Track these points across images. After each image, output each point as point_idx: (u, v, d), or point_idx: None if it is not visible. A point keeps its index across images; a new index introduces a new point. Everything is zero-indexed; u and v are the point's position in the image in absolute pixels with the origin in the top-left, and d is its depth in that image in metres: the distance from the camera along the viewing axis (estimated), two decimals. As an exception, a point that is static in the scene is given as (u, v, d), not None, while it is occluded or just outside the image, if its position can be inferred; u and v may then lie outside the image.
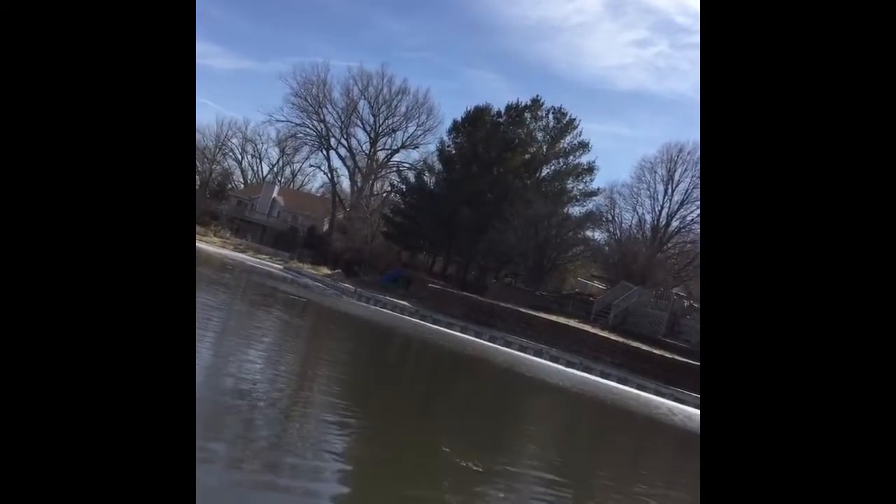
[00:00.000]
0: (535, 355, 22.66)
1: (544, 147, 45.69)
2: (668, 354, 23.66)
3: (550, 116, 45.60)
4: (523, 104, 45.10)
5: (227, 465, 4.50)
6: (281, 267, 40.23)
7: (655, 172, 42.21)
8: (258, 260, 42.23)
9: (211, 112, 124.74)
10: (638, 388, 20.00)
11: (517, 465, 6.99)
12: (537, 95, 45.37)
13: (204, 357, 8.24)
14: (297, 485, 4.55)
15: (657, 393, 19.68)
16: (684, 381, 20.77)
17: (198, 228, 49.99)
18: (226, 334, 10.97)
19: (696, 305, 31.56)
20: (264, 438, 5.31)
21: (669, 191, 41.78)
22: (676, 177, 41.64)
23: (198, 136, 69.27)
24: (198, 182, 66.93)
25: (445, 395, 11.69)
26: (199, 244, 41.82)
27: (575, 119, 45.47)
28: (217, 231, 51.47)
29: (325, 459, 5.10)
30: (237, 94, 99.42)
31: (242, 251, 45.69)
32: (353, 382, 9.79)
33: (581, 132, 45.59)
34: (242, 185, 69.10)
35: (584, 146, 45.29)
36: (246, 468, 4.57)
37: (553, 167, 46.00)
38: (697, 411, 18.20)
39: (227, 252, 42.44)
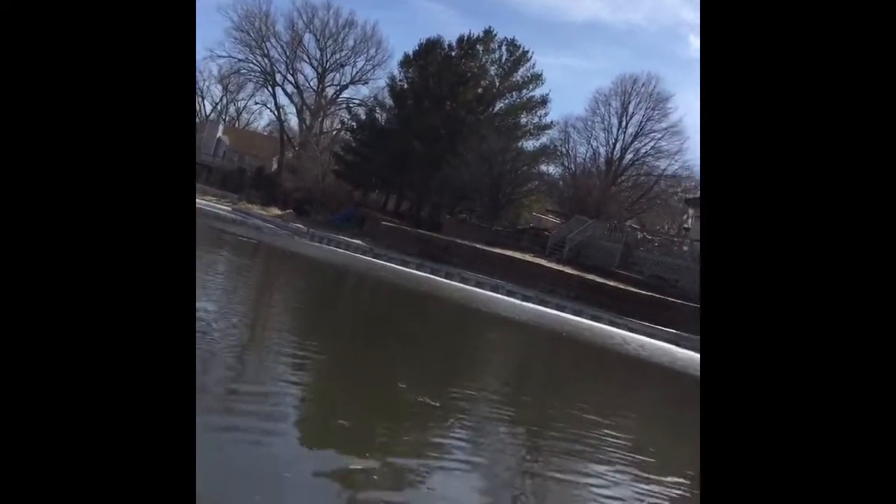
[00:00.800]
0: (491, 290, 22.66)
1: (497, 80, 44.90)
2: (621, 286, 23.93)
3: (503, 49, 44.69)
4: (475, 36, 44.03)
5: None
6: (229, 209, 39.14)
7: (610, 105, 42.11)
8: (204, 201, 40.96)
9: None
10: (592, 320, 20.21)
11: (474, 400, 6.84)
12: (489, 27, 44.38)
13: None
14: (252, 424, 4.29)
15: (611, 324, 19.91)
16: (637, 311, 21.09)
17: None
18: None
19: (649, 237, 31.98)
20: (221, 377, 5.02)
21: (623, 123, 41.78)
22: (630, 109, 41.60)
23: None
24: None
25: (400, 331, 11.48)
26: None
27: (528, 51, 44.66)
28: (161, 173, 49.70)
29: (282, 399, 4.86)
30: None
31: (189, 193, 44.26)
32: (309, 322, 9.47)
33: (534, 64, 44.87)
34: (186, 125, 66.55)
35: (537, 79, 44.65)
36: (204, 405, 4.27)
37: (506, 101, 45.36)
38: (648, 339, 18.53)
39: (173, 194, 41.03)
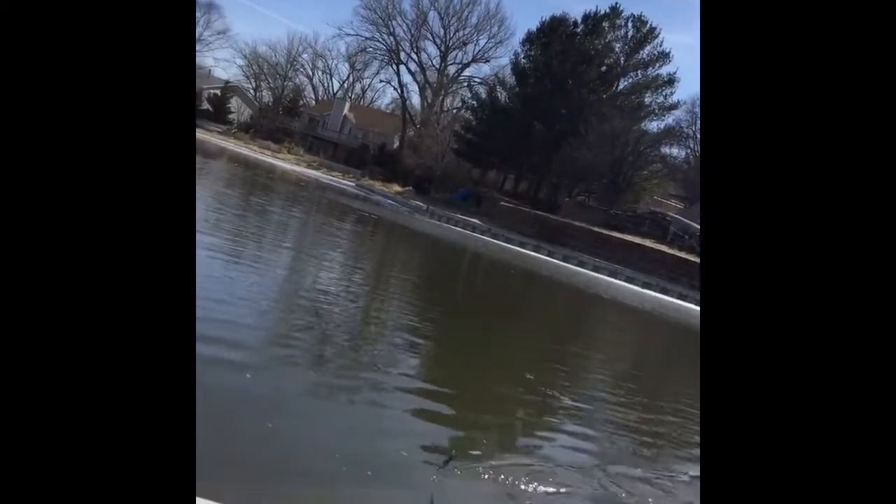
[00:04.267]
0: (609, 275, 22.32)
1: (622, 58, 43.63)
2: (749, 277, 22.82)
3: (629, 25, 43.33)
4: (601, 13, 42.90)
5: (304, 376, 4.54)
6: (353, 184, 40.56)
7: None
8: (330, 177, 42.68)
9: (281, 27, 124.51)
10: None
11: (609, 402, 6.74)
12: (616, 3, 42.99)
13: (284, 272, 8.38)
14: (372, 398, 4.54)
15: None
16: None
17: (272, 145, 50.78)
18: (304, 252, 11.12)
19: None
20: (337, 356, 5.33)
21: (756, 104, 39.36)
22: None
23: (269, 52, 69.36)
24: (271, 98, 67.54)
25: (526, 317, 11.62)
26: (274, 161, 42.56)
27: (656, 28, 43.06)
28: (290, 148, 52.12)
29: (402, 379, 5.09)
30: (306, 6, 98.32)
31: (315, 168, 46.22)
32: (431, 303, 9.81)
33: (662, 42, 43.26)
34: (314, 102, 69.23)
35: (664, 57, 43.01)
36: (322, 381, 4.60)
37: (630, 80, 44.04)
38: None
39: (301, 169, 43.00)
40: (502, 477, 3.66)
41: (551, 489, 3.70)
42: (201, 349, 4.48)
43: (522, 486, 3.62)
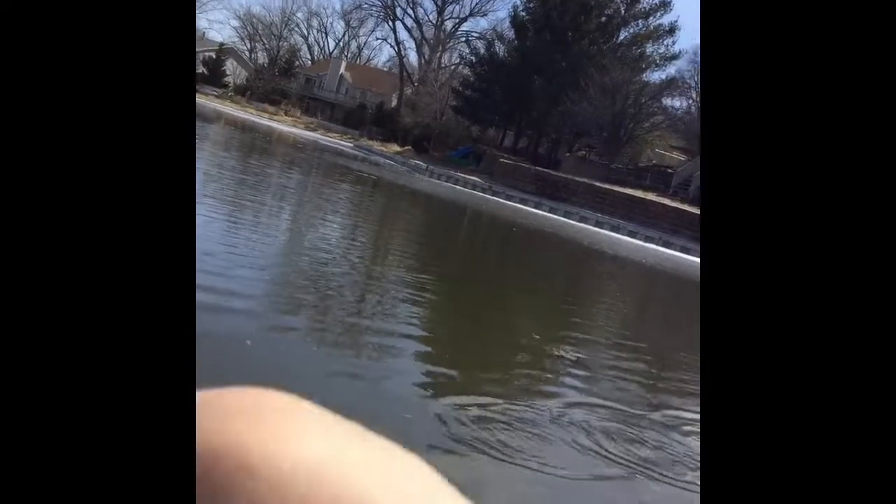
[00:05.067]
0: (612, 231, 22.25)
1: (622, 8, 42.71)
2: (752, 228, 22.77)
3: (630, -26, 42.28)
4: (600, -39, 41.83)
5: (307, 335, 4.53)
6: (351, 145, 40.23)
7: (745, 32, 39.02)
8: (329, 138, 42.31)
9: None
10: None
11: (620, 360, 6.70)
12: (616, -50, 41.89)
13: (289, 233, 8.32)
14: (377, 363, 4.53)
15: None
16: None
17: (269, 107, 50.25)
18: (306, 213, 11.05)
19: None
20: (344, 310, 5.31)
21: (759, 52, 38.70)
22: (768, 36, 38.39)
23: (263, 13, 68.18)
24: (266, 60, 66.56)
25: (532, 275, 11.59)
26: (271, 123, 42.15)
27: (657, -24, 41.99)
28: (287, 110, 51.58)
29: (407, 336, 5.08)
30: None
31: (313, 130, 45.80)
32: (434, 260, 9.77)
33: (663, -10, 42.19)
34: (310, 63, 68.25)
35: (665, 5, 42.05)
36: (328, 339, 4.58)
37: (631, 30, 43.17)
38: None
39: (298, 131, 42.61)
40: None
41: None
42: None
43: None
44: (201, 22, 63.85)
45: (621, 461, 3.63)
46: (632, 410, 4.53)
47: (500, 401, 4.07)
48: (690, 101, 41.02)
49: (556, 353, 5.70)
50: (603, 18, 42.00)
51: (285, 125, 44.31)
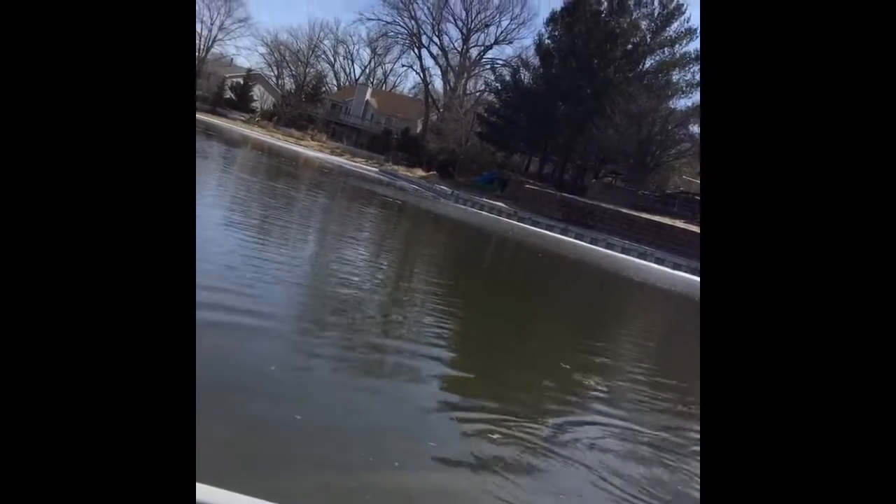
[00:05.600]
0: (639, 257, 21.96)
1: (648, 36, 42.71)
2: (783, 256, 22.34)
3: (655, 2, 42.31)
4: (627, -10, 41.98)
5: (334, 360, 4.41)
6: (376, 170, 40.45)
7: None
8: (354, 163, 42.62)
9: (302, 14, 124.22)
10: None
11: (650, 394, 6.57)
12: (642, -21, 42.02)
13: (311, 256, 8.26)
14: (400, 384, 4.40)
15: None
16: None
17: (295, 132, 50.84)
18: (331, 237, 11.00)
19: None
20: (367, 342, 5.20)
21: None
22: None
23: (290, 40, 69.37)
24: (293, 86, 67.54)
25: (560, 304, 11.40)
26: (297, 148, 42.58)
27: (682, 3, 41.99)
28: (314, 135, 52.15)
29: (431, 360, 4.95)
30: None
31: (339, 155, 46.19)
32: (460, 289, 9.64)
33: (689, 18, 42.13)
34: (336, 89, 69.15)
35: (690, 33, 41.97)
36: (349, 368, 4.45)
37: (657, 58, 43.09)
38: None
39: (325, 156, 42.97)
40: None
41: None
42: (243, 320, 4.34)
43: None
44: (229, 48, 65.29)
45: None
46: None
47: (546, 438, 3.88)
48: (717, 129, 40.72)
49: (583, 380, 5.52)
50: (629, 46, 42.02)
51: (311, 150, 44.76)
